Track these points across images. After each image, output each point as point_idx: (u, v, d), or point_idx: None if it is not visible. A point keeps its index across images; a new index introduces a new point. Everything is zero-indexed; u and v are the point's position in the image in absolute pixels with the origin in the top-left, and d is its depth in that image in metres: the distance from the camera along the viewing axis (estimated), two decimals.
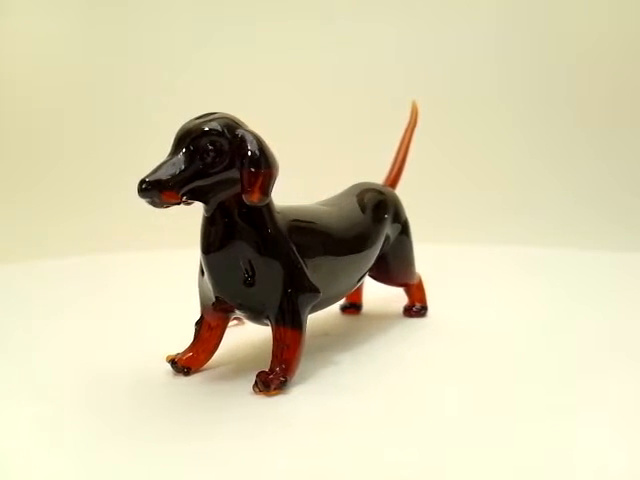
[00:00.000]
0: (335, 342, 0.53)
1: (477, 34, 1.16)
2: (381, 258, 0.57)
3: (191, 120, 0.40)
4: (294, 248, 0.43)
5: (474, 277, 0.83)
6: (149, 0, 1.17)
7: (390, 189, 0.60)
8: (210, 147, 0.38)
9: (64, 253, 0.98)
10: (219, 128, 0.39)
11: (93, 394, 0.42)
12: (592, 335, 0.54)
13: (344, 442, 0.34)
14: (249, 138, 0.40)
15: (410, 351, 0.51)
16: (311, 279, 0.44)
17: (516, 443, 0.34)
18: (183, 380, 0.44)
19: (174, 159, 0.38)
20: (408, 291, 0.62)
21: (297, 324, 0.43)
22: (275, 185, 0.41)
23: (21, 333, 0.58)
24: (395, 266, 0.59)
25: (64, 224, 1.05)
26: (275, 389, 0.41)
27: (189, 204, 0.40)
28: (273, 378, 0.41)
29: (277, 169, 0.41)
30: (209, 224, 0.42)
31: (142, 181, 0.37)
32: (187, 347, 0.46)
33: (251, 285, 0.42)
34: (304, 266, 0.44)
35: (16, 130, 1.08)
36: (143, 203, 0.39)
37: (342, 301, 0.64)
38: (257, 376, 0.41)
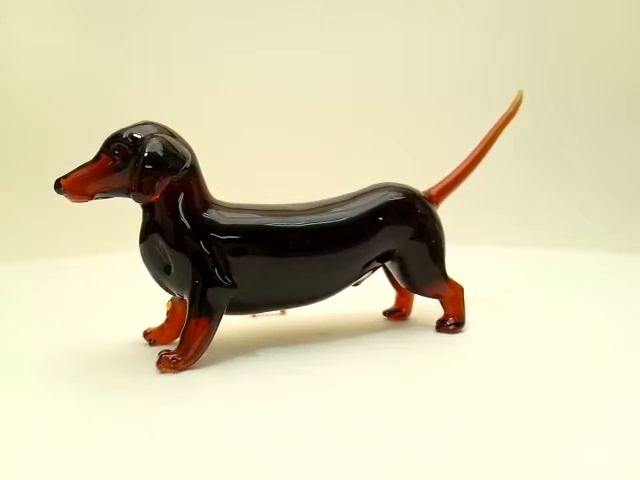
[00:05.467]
0: (312, 341, 0.54)
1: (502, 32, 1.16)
2: (397, 264, 0.54)
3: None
4: (210, 244, 0.47)
5: (512, 282, 0.79)
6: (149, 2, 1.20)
7: (407, 190, 0.55)
8: (117, 152, 0.45)
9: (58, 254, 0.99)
10: (128, 135, 0.45)
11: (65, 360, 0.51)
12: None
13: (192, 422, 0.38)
14: (151, 143, 0.44)
15: (383, 359, 0.50)
16: (230, 275, 0.47)
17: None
18: (143, 349, 0.52)
19: (90, 162, 0.46)
20: (442, 303, 0.57)
21: (202, 314, 0.46)
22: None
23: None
24: (412, 274, 0.55)
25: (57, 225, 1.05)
26: (167, 368, 0.45)
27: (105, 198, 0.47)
28: (165, 359, 0.46)
29: (170, 171, 0.44)
30: (143, 217, 0.48)
31: (55, 180, 0.46)
32: (160, 323, 0.54)
33: (169, 273, 0.47)
34: (219, 262, 0.47)
35: (15, 130, 1.10)
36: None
37: (389, 305, 0.62)
38: (158, 353, 0.46)
